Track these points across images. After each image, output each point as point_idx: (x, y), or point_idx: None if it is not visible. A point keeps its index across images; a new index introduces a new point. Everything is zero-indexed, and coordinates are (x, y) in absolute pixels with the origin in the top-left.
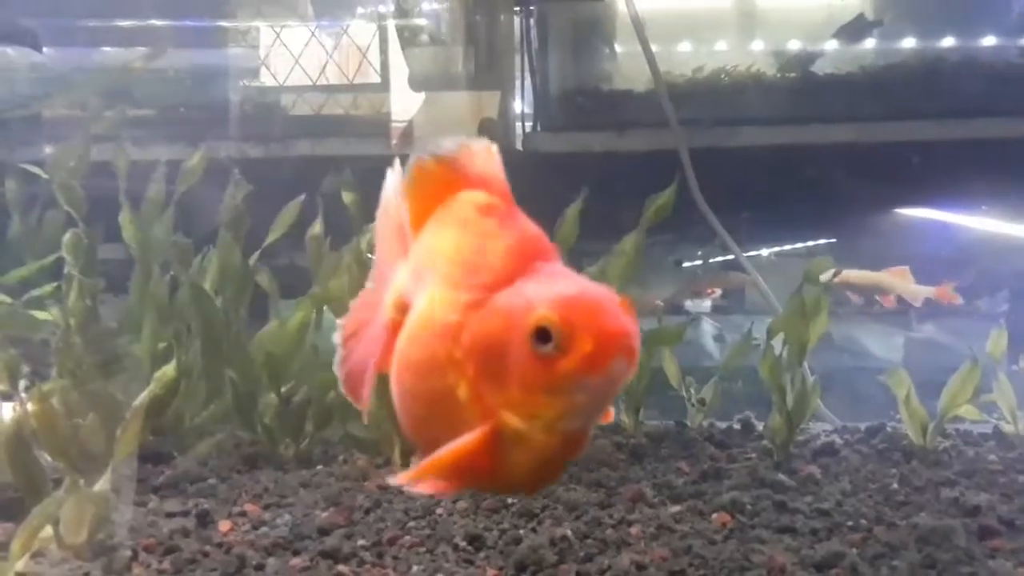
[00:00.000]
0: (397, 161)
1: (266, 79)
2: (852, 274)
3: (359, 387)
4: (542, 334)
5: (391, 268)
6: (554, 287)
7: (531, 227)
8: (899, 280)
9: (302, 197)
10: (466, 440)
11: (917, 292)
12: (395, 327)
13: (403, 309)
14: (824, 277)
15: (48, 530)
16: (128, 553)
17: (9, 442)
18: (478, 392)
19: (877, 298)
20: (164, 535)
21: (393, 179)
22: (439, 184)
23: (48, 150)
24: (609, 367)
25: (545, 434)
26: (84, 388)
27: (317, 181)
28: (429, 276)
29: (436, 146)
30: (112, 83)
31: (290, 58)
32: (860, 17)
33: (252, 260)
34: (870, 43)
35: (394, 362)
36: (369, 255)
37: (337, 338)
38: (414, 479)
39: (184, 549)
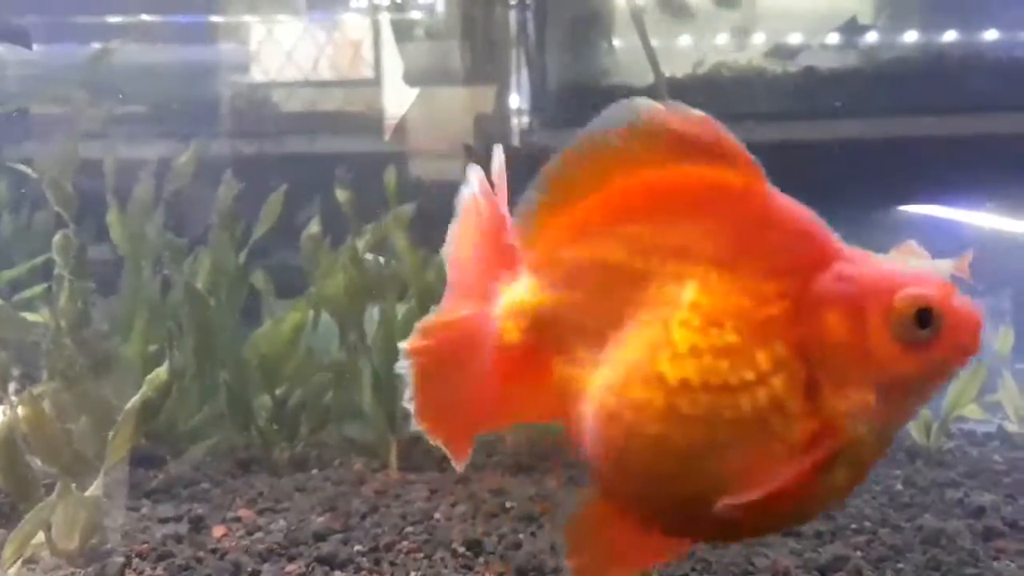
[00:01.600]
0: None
1: (257, 75)
2: None
3: (455, 426)
4: (923, 317)
5: (480, 281)
6: (900, 266)
7: (798, 204)
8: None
9: (284, 188)
10: (805, 461)
11: (940, 270)
12: (524, 351)
13: (540, 325)
14: None
15: (40, 536)
16: (121, 559)
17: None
18: (812, 398)
19: None
20: (157, 541)
21: (476, 178)
22: (629, 162)
23: (37, 148)
24: (973, 354)
25: (883, 441)
26: (76, 391)
27: (310, 178)
28: (661, 271)
29: (628, 111)
30: (95, 78)
31: (282, 53)
32: (852, 20)
33: (241, 257)
34: (873, 37)
35: (622, 392)
36: (369, 255)
37: (405, 368)
38: (742, 505)
39: (178, 555)
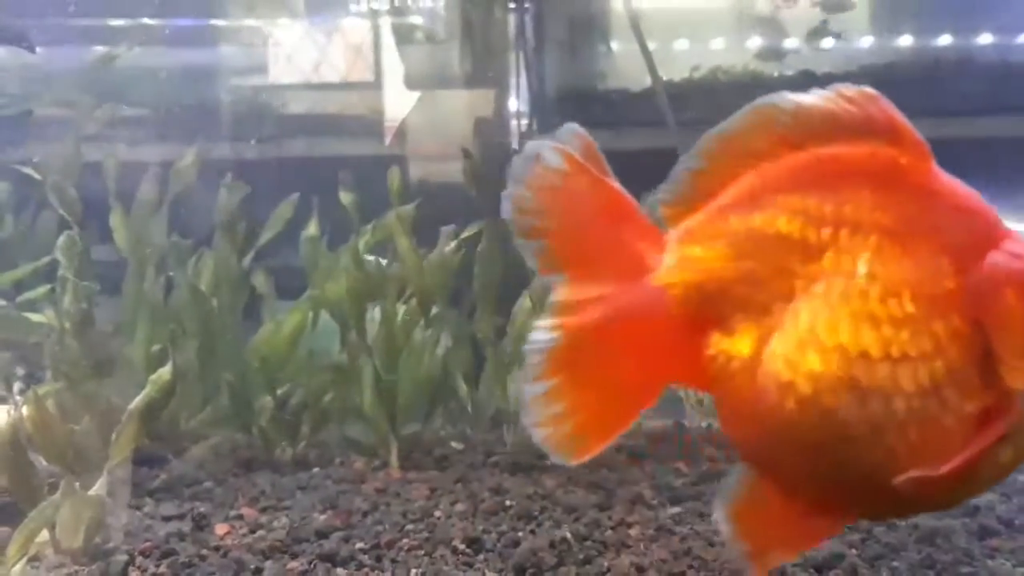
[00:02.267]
0: (569, 130)
1: (258, 78)
2: None
3: (599, 411)
4: None
5: (613, 257)
6: None
7: (963, 183)
8: None
9: (295, 196)
10: (989, 436)
11: None
12: (685, 325)
13: (705, 297)
14: None
15: (44, 534)
16: (124, 557)
17: (4, 446)
18: (986, 373)
19: None
20: (160, 539)
21: (562, 155)
22: (809, 135)
23: (40, 150)
24: None
25: None
26: (79, 391)
27: (311, 181)
28: (835, 243)
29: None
30: (98, 81)
31: (283, 57)
32: (824, 24)
33: (246, 261)
34: (868, 41)
35: (797, 363)
36: (369, 256)
37: (543, 347)
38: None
39: (181, 553)
